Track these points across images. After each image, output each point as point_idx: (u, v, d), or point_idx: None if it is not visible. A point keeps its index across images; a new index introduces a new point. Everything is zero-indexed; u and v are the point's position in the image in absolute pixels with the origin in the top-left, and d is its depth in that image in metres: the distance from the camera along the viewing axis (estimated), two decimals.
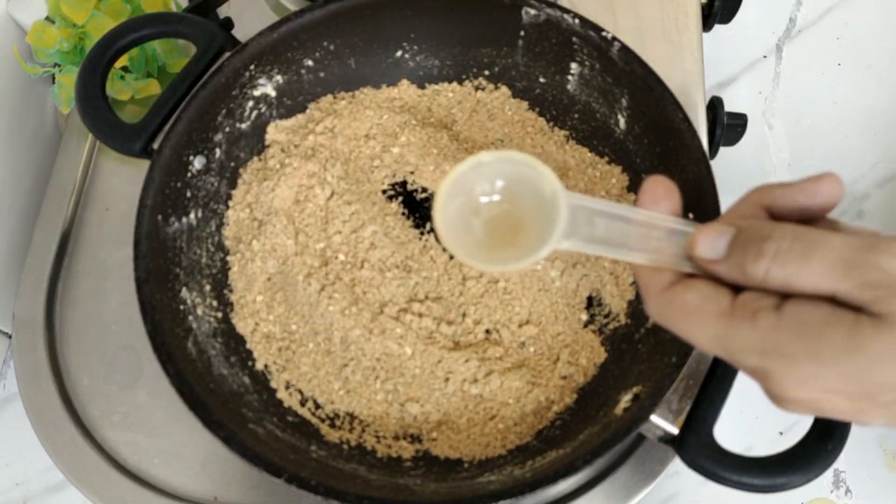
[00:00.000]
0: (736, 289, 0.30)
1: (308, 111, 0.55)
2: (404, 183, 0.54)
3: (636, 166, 0.51)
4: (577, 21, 0.50)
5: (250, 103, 0.53)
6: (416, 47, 0.55)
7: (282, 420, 0.48)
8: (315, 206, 0.52)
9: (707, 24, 0.62)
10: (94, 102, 0.50)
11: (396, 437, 0.48)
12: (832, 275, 0.27)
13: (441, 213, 0.31)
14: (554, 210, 0.30)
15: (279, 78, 0.53)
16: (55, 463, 0.52)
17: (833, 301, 0.28)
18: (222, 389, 0.47)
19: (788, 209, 0.30)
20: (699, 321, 0.29)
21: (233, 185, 0.53)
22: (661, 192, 0.32)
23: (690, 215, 0.46)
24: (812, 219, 0.30)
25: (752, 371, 0.29)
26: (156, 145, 0.49)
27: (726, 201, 0.44)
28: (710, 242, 0.30)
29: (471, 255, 0.31)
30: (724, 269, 0.30)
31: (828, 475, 0.56)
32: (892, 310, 0.26)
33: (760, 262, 0.28)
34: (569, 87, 0.54)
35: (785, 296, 0.28)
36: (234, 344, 0.50)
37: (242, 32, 0.54)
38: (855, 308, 0.27)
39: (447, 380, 0.48)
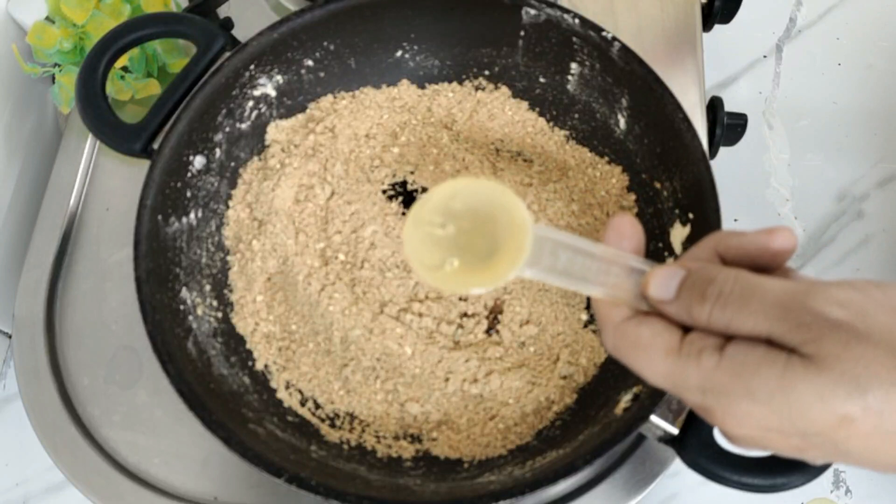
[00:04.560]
0: (688, 329, 0.30)
1: (308, 111, 0.55)
2: (404, 183, 0.54)
3: (636, 166, 0.51)
4: (577, 21, 0.50)
5: (250, 103, 0.53)
6: (416, 47, 0.55)
7: (282, 420, 0.48)
8: (315, 205, 0.52)
9: (707, 24, 0.62)
10: (94, 102, 0.50)
11: (396, 437, 0.48)
12: (767, 317, 0.28)
13: (410, 233, 0.31)
14: (521, 239, 0.30)
15: (279, 78, 0.53)
16: (55, 463, 0.52)
17: (770, 343, 0.28)
18: (222, 389, 0.47)
19: (739, 257, 0.31)
20: (649, 356, 0.30)
21: (233, 184, 0.53)
22: (627, 230, 0.33)
23: (691, 215, 0.46)
24: (766, 268, 0.31)
25: (697, 408, 0.30)
26: (156, 145, 0.49)
27: (726, 201, 0.44)
28: (662, 283, 0.31)
29: (434, 276, 0.32)
30: (674, 310, 0.30)
31: (828, 475, 0.56)
32: (820, 352, 0.27)
33: (704, 305, 0.29)
34: (569, 87, 0.54)
35: (730, 337, 0.29)
36: (234, 344, 0.50)
37: (242, 32, 0.54)
38: (789, 350, 0.28)
39: (447, 380, 0.48)
